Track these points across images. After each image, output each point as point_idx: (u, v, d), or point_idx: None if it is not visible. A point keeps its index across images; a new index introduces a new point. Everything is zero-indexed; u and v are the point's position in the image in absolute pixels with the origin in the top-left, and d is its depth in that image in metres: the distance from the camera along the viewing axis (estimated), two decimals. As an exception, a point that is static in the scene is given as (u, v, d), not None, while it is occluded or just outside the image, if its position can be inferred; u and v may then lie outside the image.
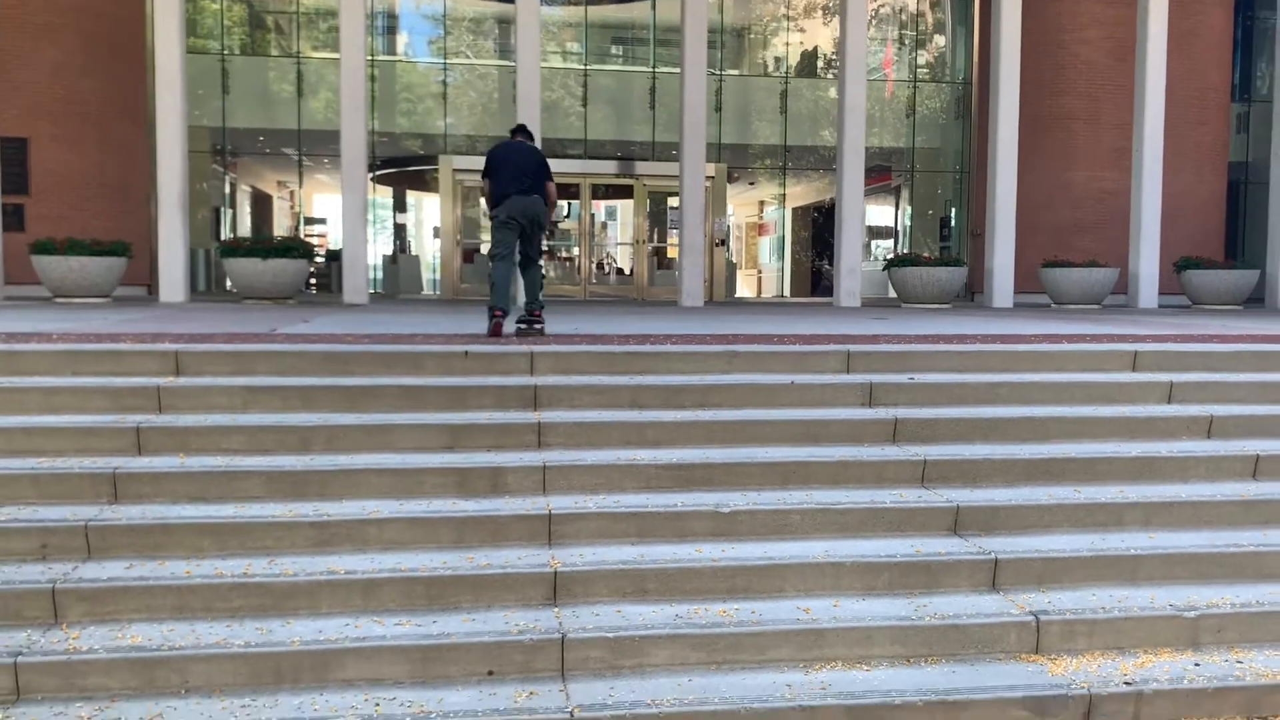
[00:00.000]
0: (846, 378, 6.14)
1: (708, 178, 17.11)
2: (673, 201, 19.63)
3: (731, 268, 21.59)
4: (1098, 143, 18.35)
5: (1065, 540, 5.01)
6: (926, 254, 17.12)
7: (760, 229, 26.43)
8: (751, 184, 22.88)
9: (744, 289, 25.71)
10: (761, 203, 25.99)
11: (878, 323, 10.07)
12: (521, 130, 8.42)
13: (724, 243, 19.08)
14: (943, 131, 20.33)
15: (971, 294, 18.71)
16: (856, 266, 15.15)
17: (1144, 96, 15.58)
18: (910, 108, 19.79)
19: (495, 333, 7.24)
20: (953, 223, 20.01)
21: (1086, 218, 18.38)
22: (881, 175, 21.20)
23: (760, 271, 25.88)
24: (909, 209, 20.67)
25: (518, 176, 7.75)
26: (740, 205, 27.21)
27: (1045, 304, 16.39)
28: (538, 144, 8.41)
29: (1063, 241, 18.08)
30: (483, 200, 9.35)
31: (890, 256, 17.04)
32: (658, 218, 20.60)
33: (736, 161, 20.46)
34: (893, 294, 17.01)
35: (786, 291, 22.54)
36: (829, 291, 17.15)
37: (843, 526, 4.98)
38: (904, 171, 20.43)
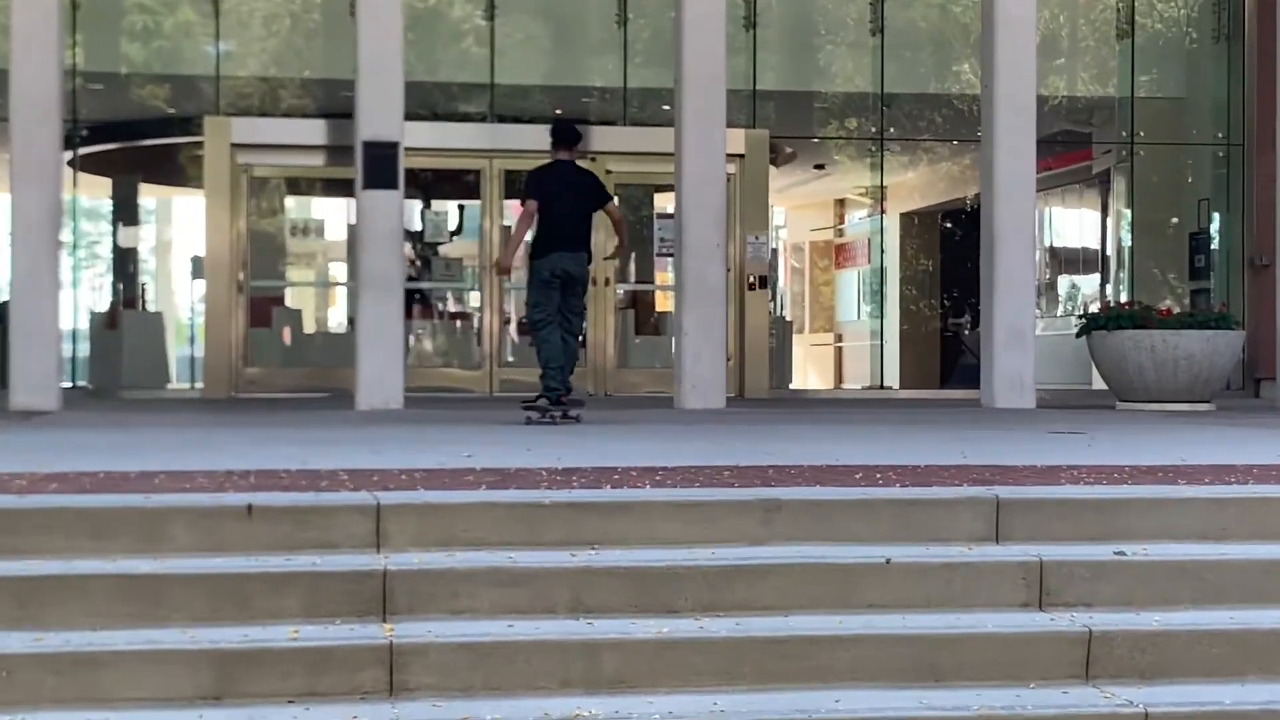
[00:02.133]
0: (994, 551, 6.25)
1: (732, 157, 17.42)
2: (663, 202, 19.93)
3: (782, 330, 21.84)
4: None
5: None
6: (1164, 306, 17.40)
7: (838, 255, 26.86)
8: (819, 169, 23.30)
9: (807, 373, 25.94)
10: (840, 204, 26.41)
11: (1062, 441, 10.22)
12: (565, 135, 12.34)
13: (764, 283, 19.37)
14: (1190, 68, 20.86)
15: (1255, 382, 18.98)
16: (1026, 329, 15.43)
17: None
18: (1126, 22, 20.33)
19: (560, 411, 11.90)
20: (1213, 243, 20.41)
21: None
22: (1074, 152, 21.66)
23: (839, 338, 26.18)
24: (1127, 216, 21.08)
25: (572, 221, 12.04)
26: (798, 209, 27.62)
27: (1400, 402, 16.67)
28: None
29: None
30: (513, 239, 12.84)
31: (1092, 311, 17.28)
32: (634, 234, 20.87)
33: (788, 125, 20.86)
34: (1099, 382, 17.22)
35: (891, 378, 22.81)
36: (973, 377, 17.33)
37: (988, 846, 5.06)
38: (1116, 145, 20.87)
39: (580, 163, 12.92)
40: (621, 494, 6.45)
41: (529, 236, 12.41)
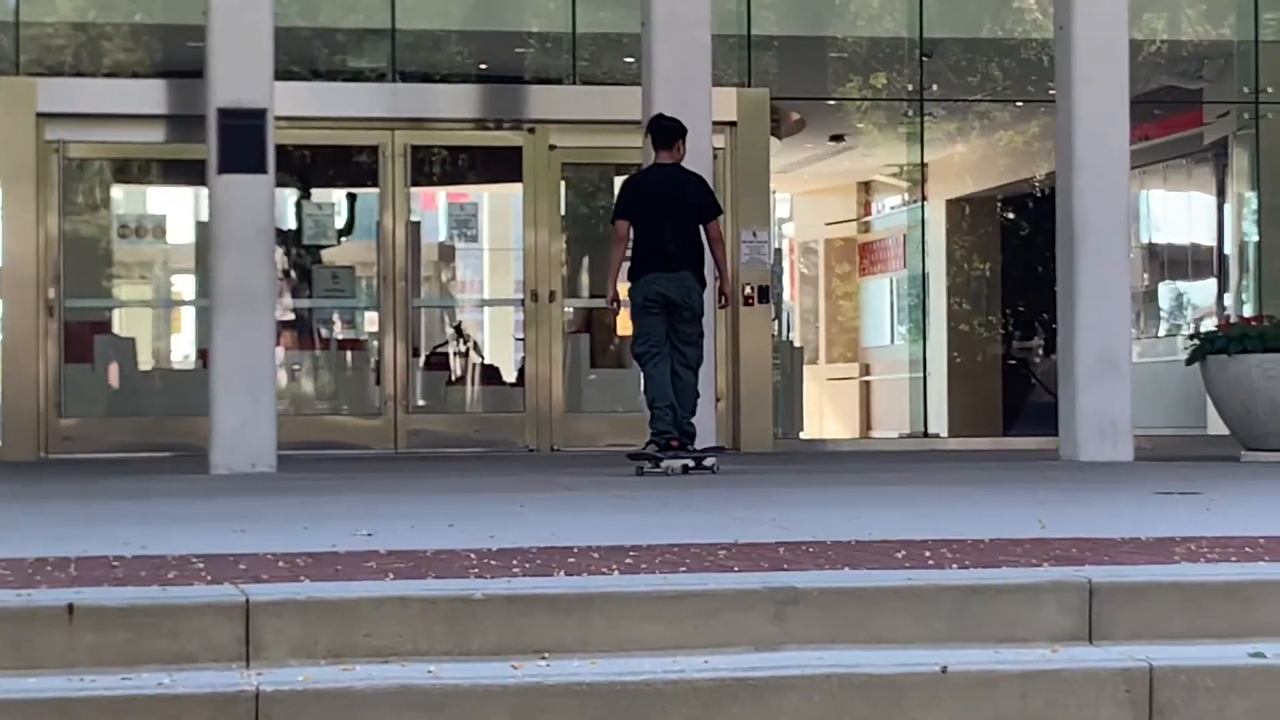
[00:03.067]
0: (1087, 654, 6.24)
1: (720, 126, 17.46)
2: (626, 188, 19.96)
3: (789, 359, 21.82)
4: None
5: None
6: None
7: (864, 257, 26.87)
8: (837, 141, 23.31)
9: (824, 418, 25.93)
10: (865, 189, 26.45)
11: (1173, 504, 10.26)
12: (660, 133, 14.07)
13: (765, 296, 19.40)
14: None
15: None
16: (1120, 354, 15.48)
17: None
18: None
19: (691, 460, 13.71)
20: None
21: None
22: (1179, 115, 21.72)
23: (866, 370, 26.19)
24: (1251, 201, 21.15)
25: (666, 235, 13.75)
26: (809, 196, 27.64)
27: None
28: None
29: None
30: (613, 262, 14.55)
31: (1207, 330, 17.29)
32: (590, 233, 20.85)
33: (795, 83, 20.91)
34: (1217, 424, 17.27)
35: (937, 422, 22.85)
36: (1048, 420, 17.35)
37: None
38: (1235, 105, 20.94)
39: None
40: (579, 583, 6.41)
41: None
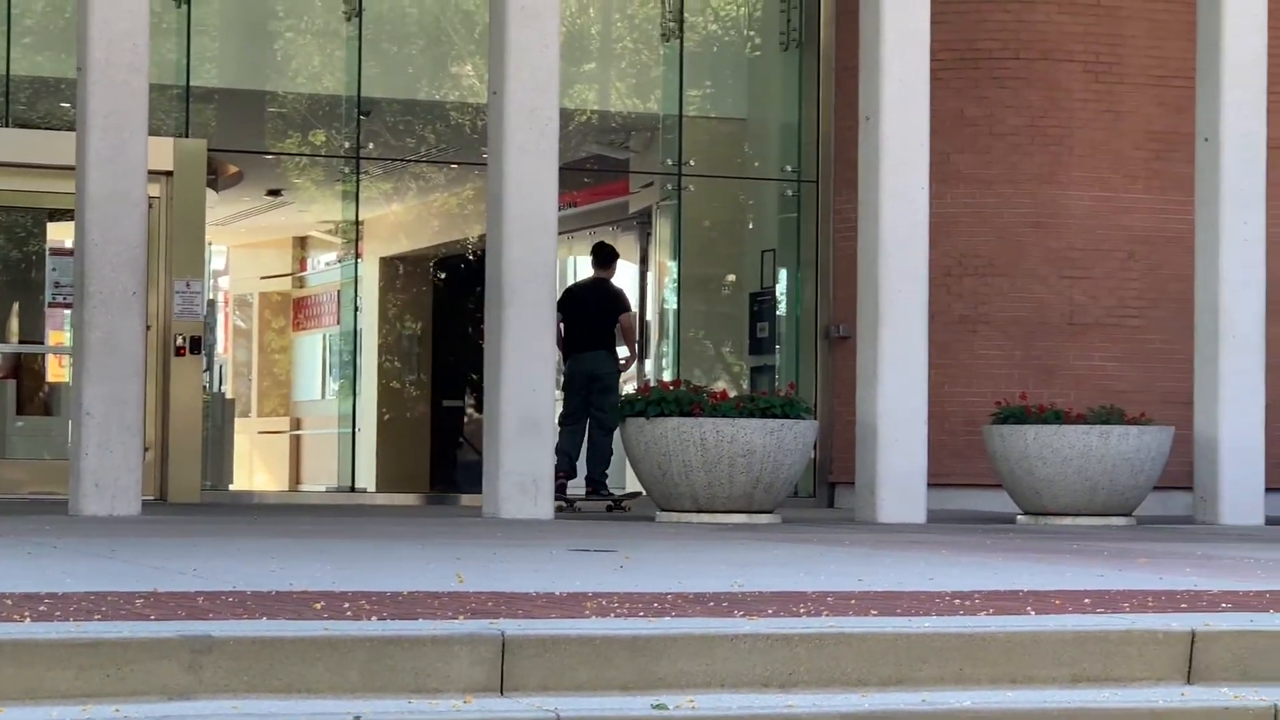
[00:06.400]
0: (498, 706, 6.27)
1: (156, 175, 17.23)
2: (60, 234, 19.53)
3: (220, 411, 21.62)
4: (1124, 118, 20.02)
5: None
6: (718, 387, 17.93)
7: (298, 312, 26.73)
8: (275, 195, 23.15)
9: (253, 470, 25.72)
10: (301, 244, 26.34)
11: (588, 561, 10.45)
12: (606, 255, 19.27)
13: (197, 346, 19.18)
14: (753, 81, 21.58)
15: (829, 487, 19.71)
16: (543, 415, 15.71)
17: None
18: (673, 19, 20.90)
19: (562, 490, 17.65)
20: (779, 307, 21.11)
21: (1101, 298, 19.88)
22: (606, 184, 22.11)
23: (298, 424, 26.04)
24: (672, 270, 21.62)
25: (590, 327, 18.50)
26: (245, 249, 27.42)
27: (1006, 513, 17.53)
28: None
29: (1042, 354, 19.47)
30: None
31: (627, 393, 17.68)
32: (21, 278, 20.36)
33: (234, 136, 20.78)
34: (636, 486, 17.62)
35: (365, 477, 22.83)
36: (475, 479, 17.47)
37: None
38: (659, 176, 21.42)
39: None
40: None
41: None
